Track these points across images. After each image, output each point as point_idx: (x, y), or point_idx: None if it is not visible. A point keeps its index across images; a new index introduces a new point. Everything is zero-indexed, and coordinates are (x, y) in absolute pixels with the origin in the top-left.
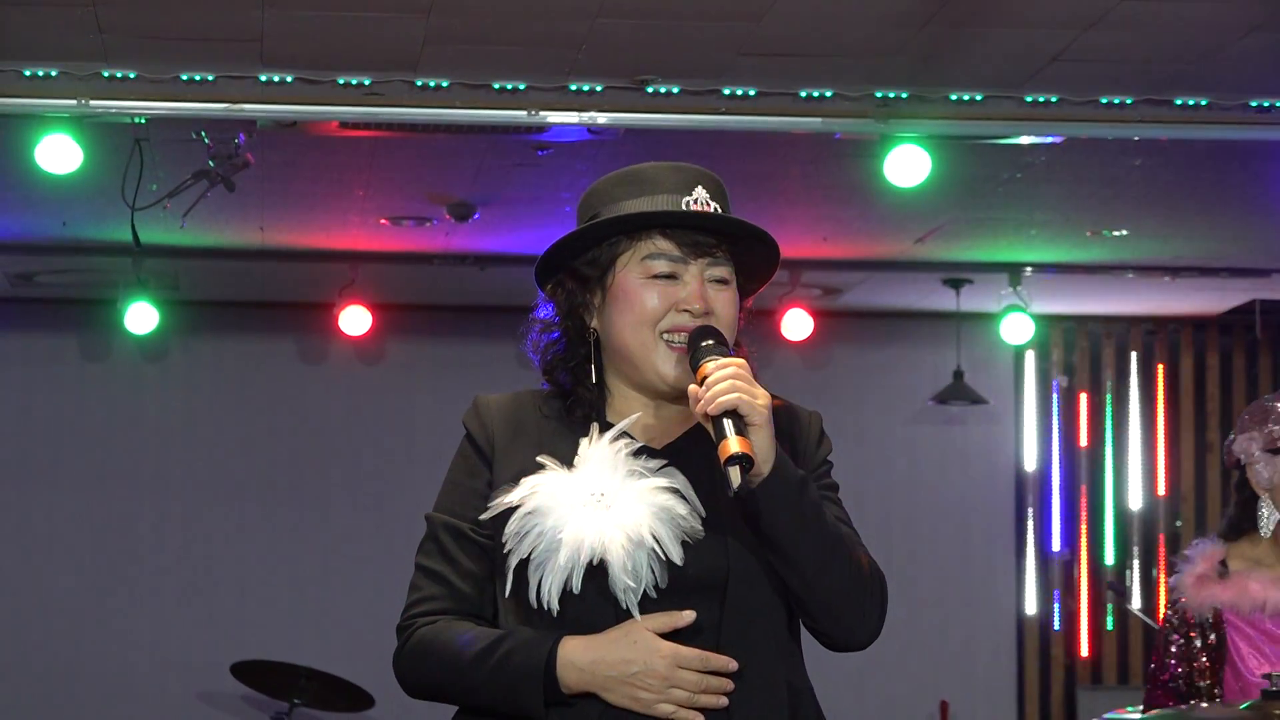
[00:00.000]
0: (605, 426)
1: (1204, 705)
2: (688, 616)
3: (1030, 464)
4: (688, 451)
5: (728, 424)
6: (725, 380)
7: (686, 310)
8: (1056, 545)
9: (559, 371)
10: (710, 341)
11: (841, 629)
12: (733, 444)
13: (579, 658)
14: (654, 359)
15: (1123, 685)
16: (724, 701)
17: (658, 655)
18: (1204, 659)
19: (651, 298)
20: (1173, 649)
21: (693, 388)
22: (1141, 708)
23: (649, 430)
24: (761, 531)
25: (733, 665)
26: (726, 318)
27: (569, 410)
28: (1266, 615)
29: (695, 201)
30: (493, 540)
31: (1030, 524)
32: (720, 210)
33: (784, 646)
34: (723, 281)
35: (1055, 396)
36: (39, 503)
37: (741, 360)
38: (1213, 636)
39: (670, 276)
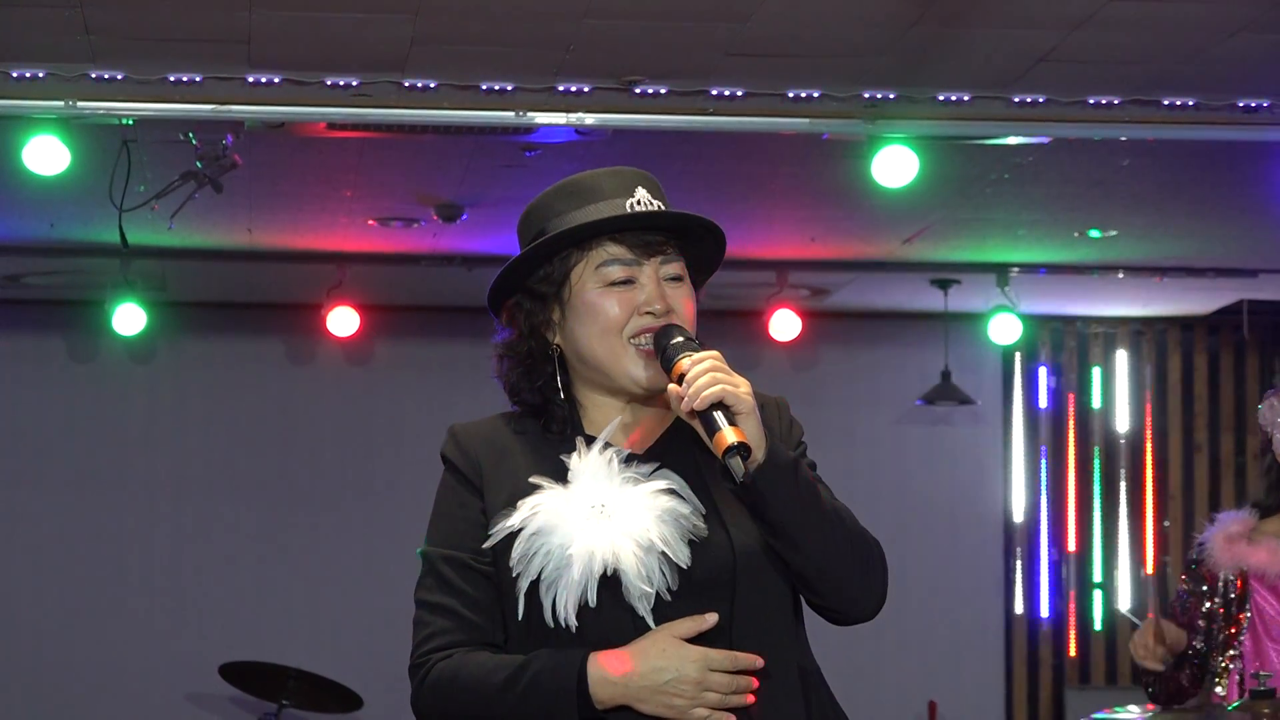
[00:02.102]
0: (586, 439)
1: (1201, 693)
2: (711, 619)
3: (1017, 465)
4: (672, 452)
5: (718, 416)
6: (706, 374)
7: (649, 312)
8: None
9: (525, 393)
10: (679, 339)
11: (849, 603)
12: (729, 435)
13: (610, 672)
14: (625, 364)
15: (1111, 685)
16: (751, 699)
17: (689, 661)
18: (1222, 613)
19: (612, 306)
20: (1192, 603)
21: (673, 387)
22: (1133, 708)
23: (629, 435)
24: (767, 518)
25: (759, 662)
26: (685, 314)
27: (545, 428)
28: None
29: (639, 203)
30: (494, 568)
31: (1017, 524)
32: (663, 208)
33: (791, 632)
34: (677, 279)
35: (1039, 403)
36: (26, 504)
37: (716, 352)
38: (1234, 596)
39: (627, 282)
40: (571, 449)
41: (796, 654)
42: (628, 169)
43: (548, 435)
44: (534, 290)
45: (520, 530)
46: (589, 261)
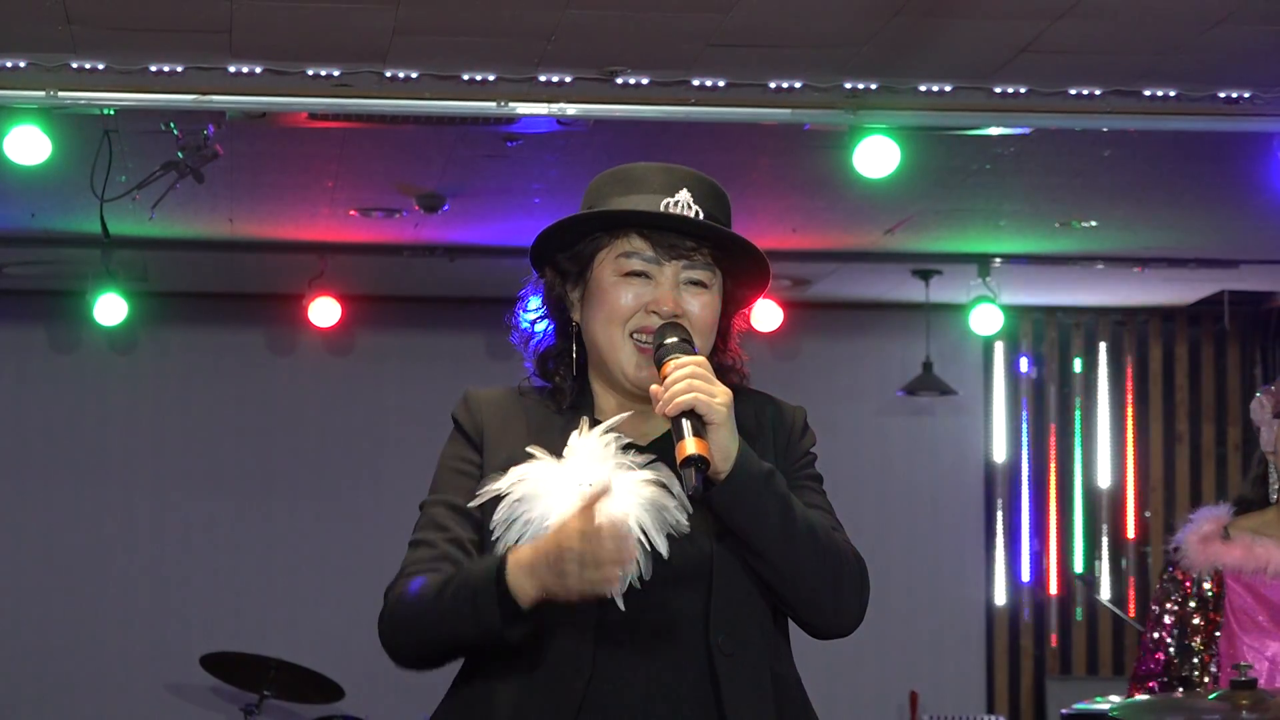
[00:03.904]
0: (594, 422)
1: (1180, 692)
2: (601, 484)
3: (999, 455)
4: (672, 449)
5: (685, 425)
6: (683, 380)
7: (655, 312)
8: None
9: (547, 361)
10: (674, 339)
11: (820, 617)
12: (688, 445)
13: (524, 558)
14: (620, 357)
15: (1092, 675)
16: (634, 557)
17: (568, 533)
18: (1197, 619)
19: (623, 295)
20: (1168, 607)
21: (654, 388)
22: (1114, 698)
23: (634, 428)
24: (734, 527)
25: (610, 487)
26: (700, 321)
27: (555, 404)
28: (1269, 576)
29: (676, 204)
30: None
31: (999, 515)
32: (704, 213)
33: (769, 635)
34: (700, 284)
35: (1022, 375)
36: (6, 495)
37: (701, 358)
38: (1210, 595)
39: (644, 276)
40: (572, 427)
41: (772, 659)
42: (685, 169)
43: (557, 413)
44: (560, 266)
45: (505, 495)
46: (613, 249)
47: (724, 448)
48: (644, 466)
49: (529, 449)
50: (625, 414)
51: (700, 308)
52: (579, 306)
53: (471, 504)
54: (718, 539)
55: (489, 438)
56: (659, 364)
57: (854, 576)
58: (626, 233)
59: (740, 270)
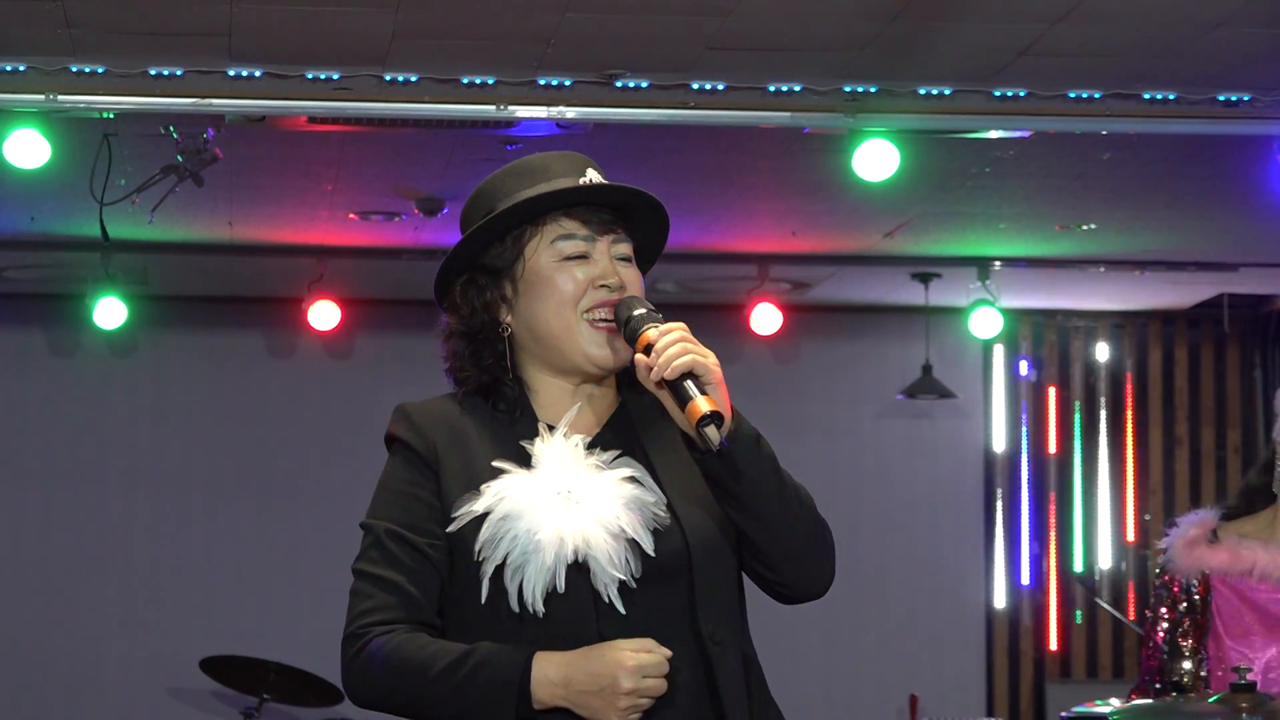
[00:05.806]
0: (547, 425)
1: (1175, 696)
2: (664, 652)
3: (998, 458)
4: (620, 436)
5: (689, 385)
6: (675, 344)
7: (604, 285)
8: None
9: (472, 372)
10: (641, 310)
11: (804, 578)
12: (702, 404)
13: (553, 674)
14: (579, 341)
15: (1092, 679)
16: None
17: (622, 669)
18: (1187, 621)
19: (567, 280)
20: (1162, 613)
21: (640, 357)
22: (1115, 702)
23: (585, 415)
24: (734, 489)
25: (669, 654)
26: (637, 293)
27: (495, 409)
28: (1254, 578)
29: (590, 182)
30: (450, 552)
31: (999, 518)
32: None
33: (740, 616)
34: (626, 259)
35: (1022, 380)
36: (6, 498)
37: (681, 323)
38: (1198, 599)
39: (582, 256)
40: (525, 432)
41: (741, 640)
42: (575, 153)
43: (498, 416)
44: (487, 267)
45: (486, 515)
46: (543, 236)
47: (725, 407)
48: (613, 463)
49: (496, 463)
50: (575, 408)
51: (634, 281)
52: (511, 304)
53: (450, 528)
54: (689, 528)
55: (442, 456)
56: (633, 336)
57: (829, 538)
58: (554, 217)
59: (639, 243)
